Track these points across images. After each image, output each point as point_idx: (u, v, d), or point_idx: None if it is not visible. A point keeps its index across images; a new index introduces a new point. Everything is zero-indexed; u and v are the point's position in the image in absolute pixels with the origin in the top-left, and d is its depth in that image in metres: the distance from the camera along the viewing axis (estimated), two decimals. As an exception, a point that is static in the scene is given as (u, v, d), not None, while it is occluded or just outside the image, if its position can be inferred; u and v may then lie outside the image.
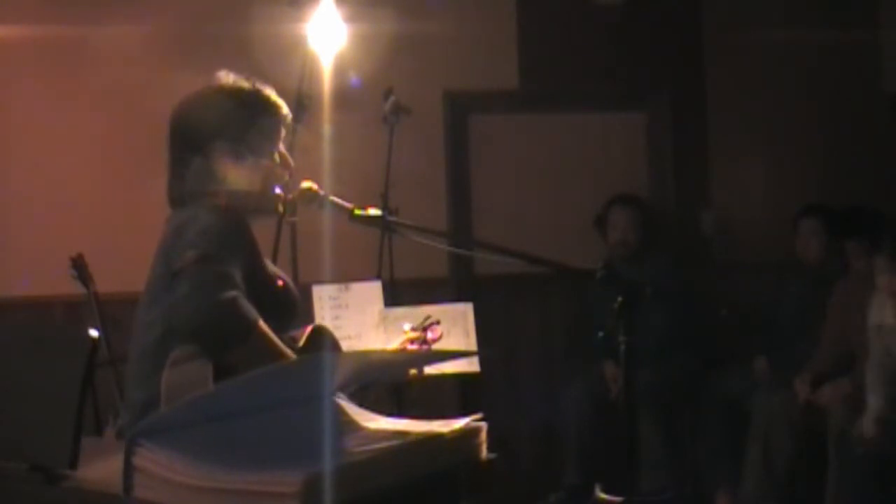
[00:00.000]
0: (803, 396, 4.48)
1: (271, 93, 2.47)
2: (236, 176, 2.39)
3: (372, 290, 3.57)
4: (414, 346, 2.90)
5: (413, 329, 2.94)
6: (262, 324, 2.10)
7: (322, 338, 2.29)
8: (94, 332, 1.89)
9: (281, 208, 2.52)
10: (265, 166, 2.43)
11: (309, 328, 2.29)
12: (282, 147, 2.48)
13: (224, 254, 2.11)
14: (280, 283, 2.35)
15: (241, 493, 1.62)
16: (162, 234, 2.32)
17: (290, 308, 2.36)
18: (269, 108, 2.45)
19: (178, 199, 2.40)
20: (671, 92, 5.67)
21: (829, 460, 4.24)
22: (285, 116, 2.48)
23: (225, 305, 2.02)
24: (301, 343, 2.27)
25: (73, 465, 1.72)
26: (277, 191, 2.47)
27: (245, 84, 2.44)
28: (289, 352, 2.17)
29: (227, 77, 2.44)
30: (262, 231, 3.59)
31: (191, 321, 2.03)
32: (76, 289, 4.49)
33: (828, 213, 4.93)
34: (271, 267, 2.40)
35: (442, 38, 5.23)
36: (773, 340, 4.90)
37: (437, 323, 2.95)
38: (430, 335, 2.92)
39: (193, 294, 2.03)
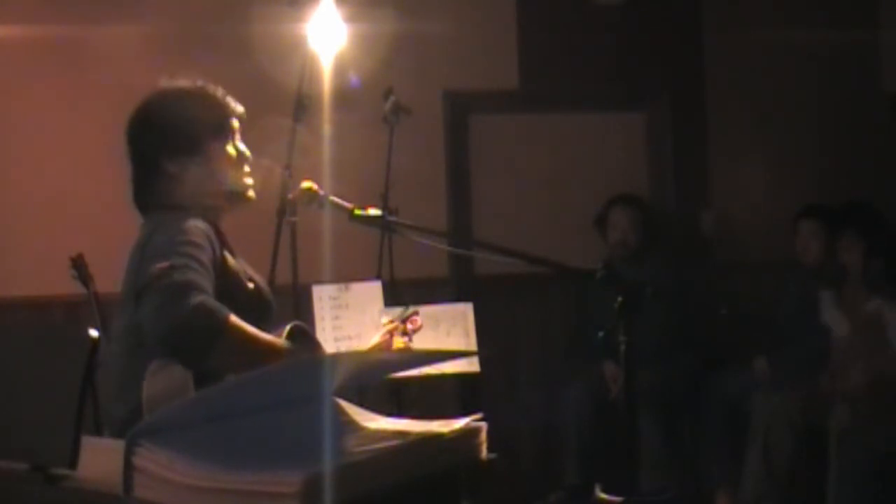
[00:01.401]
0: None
1: (223, 93, 2.49)
2: (224, 175, 2.40)
3: (372, 290, 3.57)
4: (396, 337, 2.88)
5: (392, 321, 2.92)
6: (234, 318, 2.07)
7: (300, 336, 2.28)
8: (94, 332, 1.89)
9: (252, 193, 2.50)
10: (242, 161, 2.45)
11: (287, 327, 2.28)
12: (240, 145, 2.49)
13: (186, 262, 2.09)
14: (251, 284, 2.34)
15: (241, 493, 1.62)
16: (136, 240, 2.32)
17: (262, 309, 2.34)
18: (230, 106, 2.47)
19: (146, 203, 2.40)
20: (671, 92, 5.67)
21: (829, 460, 4.24)
22: (241, 115, 2.49)
23: (192, 313, 2.00)
24: None
25: (73, 464, 1.72)
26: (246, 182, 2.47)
27: (203, 85, 2.46)
28: (267, 336, 2.16)
29: (176, 82, 2.46)
30: (262, 231, 3.61)
31: (162, 337, 2.02)
32: (76, 289, 4.48)
33: (827, 214, 4.92)
34: (241, 267, 2.37)
35: (442, 38, 5.23)
36: (773, 340, 4.90)
37: (417, 314, 2.93)
38: (409, 326, 2.90)
39: (160, 308, 2.02)
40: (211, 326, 2.03)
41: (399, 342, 2.87)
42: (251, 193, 2.49)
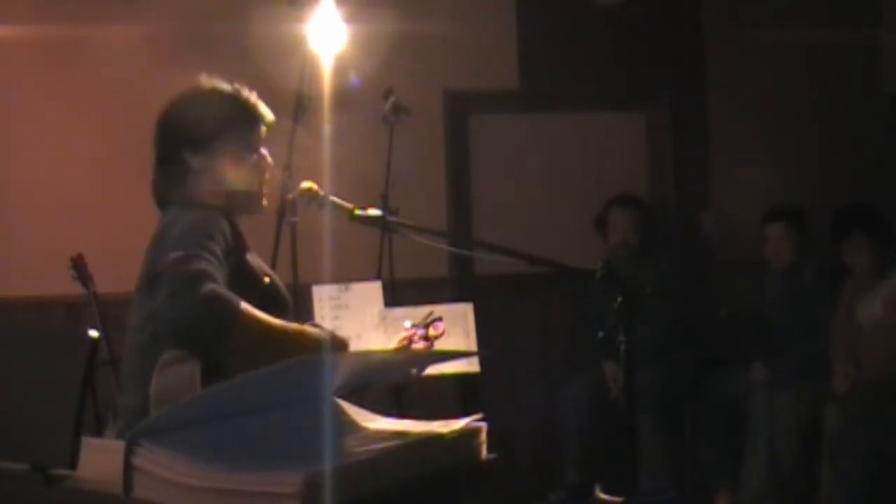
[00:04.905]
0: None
1: (255, 97, 2.51)
2: (237, 175, 2.41)
3: (372, 290, 3.56)
4: (417, 345, 2.88)
5: (414, 326, 2.92)
6: (246, 306, 2.10)
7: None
8: (94, 332, 1.89)
9: (265, 202, 2.52)
10: (262, 166, 2.47)
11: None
12: (263, 151, 2.51)
13: (200, 252, 2.12)
14: (266, 279, 2.37)
15: (241, 493, 1.62)
16: (153, 233, 2.34)
17: (278, 303, 2.36)
18: (260, 111, 2.49)
19: (164, 199, 2.41)
20: (671, 92, 5.67)
21: (823, 460, 4.25)
22: (270, 122, 2.52)
23: (204, 301, 2.03)
24: None
25: (73, 465, 1.72)
26: (262, 188, 2.50)
27: (236, 87, 2.47)
28: (279, 321, 2.18)
29: (212, 81, 2.47)
30: (262, 231, 3.61)
31: (174, 325, 2.04)
32: (76, 289, 4.49)
33: (793, 214, 4.94)
34: (258, 263, 2.41)
35: (442, 38, 5.23)
36: (770, 342, 4.90)
37: (440, 319, 2.92)
38: (432, 331, 2.90)
39: (172, 297, 2.04)
40: (222, 314, 2.05)
41: None
42: (264, 202, 2.51)
